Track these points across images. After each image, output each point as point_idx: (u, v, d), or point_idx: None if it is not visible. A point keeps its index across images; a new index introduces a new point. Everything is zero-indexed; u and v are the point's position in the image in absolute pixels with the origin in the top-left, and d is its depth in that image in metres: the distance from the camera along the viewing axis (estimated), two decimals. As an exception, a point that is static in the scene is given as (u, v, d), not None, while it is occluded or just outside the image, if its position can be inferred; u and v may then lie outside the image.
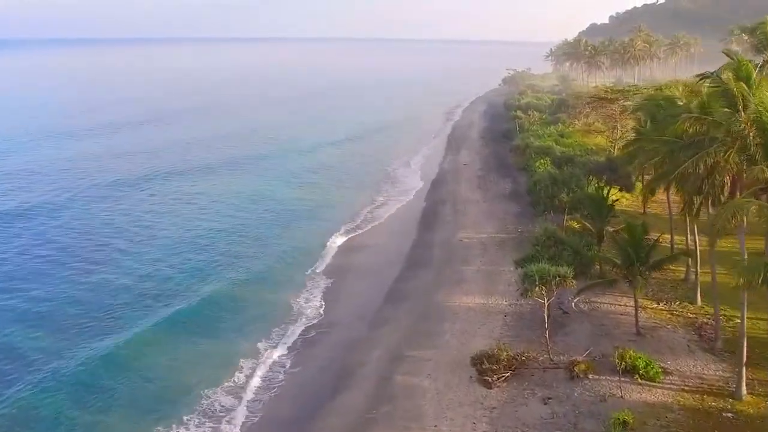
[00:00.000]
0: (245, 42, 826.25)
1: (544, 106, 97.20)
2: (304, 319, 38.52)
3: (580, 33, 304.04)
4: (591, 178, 50.31)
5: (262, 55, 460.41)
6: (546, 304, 30.41)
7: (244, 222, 57.82)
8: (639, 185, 51.55)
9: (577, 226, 44.95)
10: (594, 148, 59.57)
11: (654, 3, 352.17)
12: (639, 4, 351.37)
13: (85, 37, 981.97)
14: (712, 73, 29.94)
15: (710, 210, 30.32)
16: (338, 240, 52.39)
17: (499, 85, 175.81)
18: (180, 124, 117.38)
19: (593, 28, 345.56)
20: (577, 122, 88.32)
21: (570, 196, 45.89)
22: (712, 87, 27.09)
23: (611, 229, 39.20)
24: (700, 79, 32.89)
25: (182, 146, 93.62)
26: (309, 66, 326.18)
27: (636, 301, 32.47)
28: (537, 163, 65.33)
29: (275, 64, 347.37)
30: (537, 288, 29.22)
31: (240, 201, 65.04)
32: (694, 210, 27.17)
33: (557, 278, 29.11)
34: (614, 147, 66.46)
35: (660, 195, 57.78)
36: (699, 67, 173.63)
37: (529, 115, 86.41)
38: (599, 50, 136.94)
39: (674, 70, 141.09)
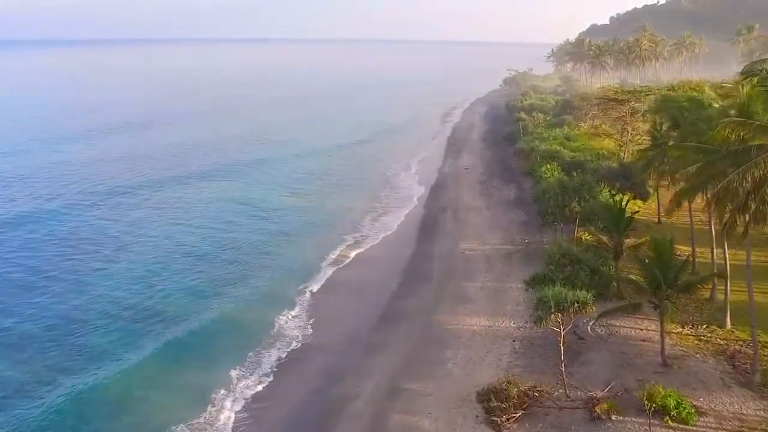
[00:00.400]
0: (244, 43, 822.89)
1: (548, 108, 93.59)
2: (288, 344, 34.75)
3: (580, 34, 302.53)
4: (603, 185, 46.76)
5: (261, 56, 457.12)
6: (562, 334, 26.78)
7: (236, 232, 53.82)
8: (655, 192, 48.12)
9: (590, 239, 41.34)
10: (605, 152, 55.90)
11: (655, 4, 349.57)
12: (639, 5, 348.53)
13: (85, 38, 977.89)
14: (760, 70, 26.31)
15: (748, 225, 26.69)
16: (334, 253, 48.64)
17: (500, 85, 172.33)
18: (173, 126, 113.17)
19: (594, 29, 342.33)
20: (583, 125, 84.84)
21: (582, 205, 42.31)
22: (759, 87, 23.43)
23: (630, 244, 35.62)
24: (745, 77, 29.24)
25: (174, 150, 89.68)
26: (308, 67, 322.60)
27: (662, 329, 28.84)
28: (543, 168, 61.68)
29: (274, 64, 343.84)
30: (552, 316, 25.57)
31: (233, 209, 61.23)
32: (741, 229, 23.36)
33: (576, 305, 25.48)
34: (625, 151, 62.94)
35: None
36: (704, 67, 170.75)
37: (533, 117, 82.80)
38: (603, 50, 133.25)
39: (680, 71, 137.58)
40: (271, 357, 33.27)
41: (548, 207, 42.41)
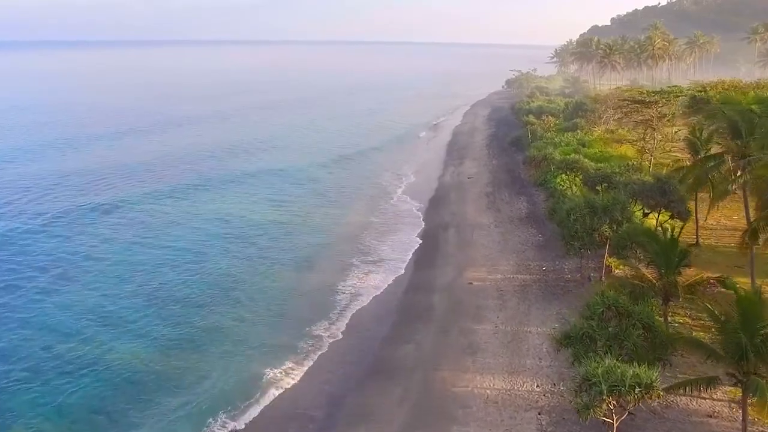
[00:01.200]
0: (241, 45, 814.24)
1: (558, 111, 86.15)
2: (244, 411, 27.27)
3: (581, 35, 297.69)
4: (634, 202, 39.35)
5: (258, 58, 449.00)
6: (615, 426, 19.35)
7: (207, 263, 45.96)
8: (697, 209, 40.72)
9: (625, 271, 33.96)
10: (633, 162, 48.39)
11: (656, 5, 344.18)
12: (640, 7, 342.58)
13: (86, 39, 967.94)
14: None
15: None
16: (316, 281, 41.14)
17: (503, 87, 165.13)
18: (161, 134, 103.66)
19: (595, 30, 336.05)
20: (596, 128, 77.43)
21: (615, 229, 34.86)
22: None
23: (682, 282, 28.16)
24: None
25: (161, 160, 79.71)
26: (305, 69, 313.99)
27: (745, 410, 21.41)
28: (558, 179, 54.47)
29: (271, 66, 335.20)
30: (605, 404, 18.15)
31: (206, 233, 53.11)
32: None
33: (637, 389, 18.05)
34: (650, 160, 55.56)
35: (714, 218, 47.26)
36: (715, 68, 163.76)
37: (543, 121, 75.35)
38: (614, 49, 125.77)
39: (692, 72, 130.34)
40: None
41: (574, 231, 34.89)
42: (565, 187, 52.12)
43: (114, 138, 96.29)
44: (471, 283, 38.35)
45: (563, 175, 54.56)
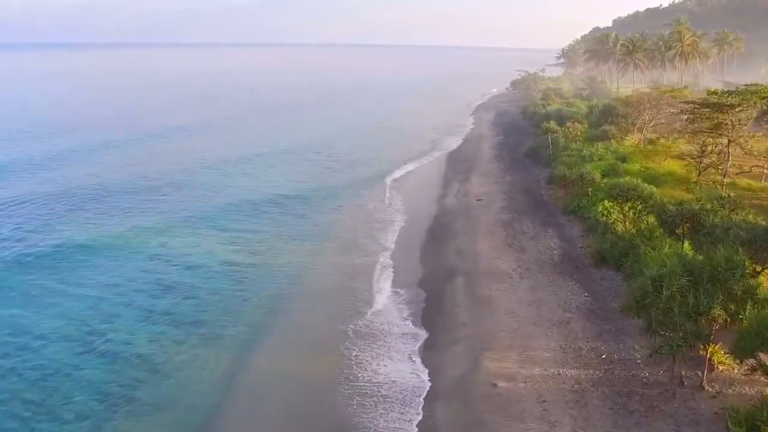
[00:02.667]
0: (240, 47, 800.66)
1: (580, 116, 72.75)
2: None
3: (582, 37, 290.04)
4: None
5: (254, 60, 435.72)
6: None
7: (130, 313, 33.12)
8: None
9: (742, 372, 20.65)
10: (725, 194, 34.56)
11: (658, 7, 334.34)
12: (642, 9, 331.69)
13: (87, 41, 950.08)
14: None
15: None
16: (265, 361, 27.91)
17: (507, 89, 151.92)
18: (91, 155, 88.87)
19: (596, 32, 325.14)
20: (630, 137, 64.20)
21: (733, 312, 21.46)
22: None
23: None
24: None
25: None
26: (305, 70, 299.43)
27: None
28: (600, 207, 41.19)
29: (270, 68, 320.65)
30: None
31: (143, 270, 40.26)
32: None
33: None
34: (721, 181, 42.29)
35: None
36: (739, 69, 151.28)
37: (569, 128, 61.93)
38: (637, 46, 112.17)
39: (722, 72, 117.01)
40: None
41: (669, 316, 21.32)
42: (611, 220, 38.81)
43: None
44: (496, 385, 24.81)
45: (606, 202, 41.25)
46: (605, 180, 44.37)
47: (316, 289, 36.61)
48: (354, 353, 28.71)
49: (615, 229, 37.41)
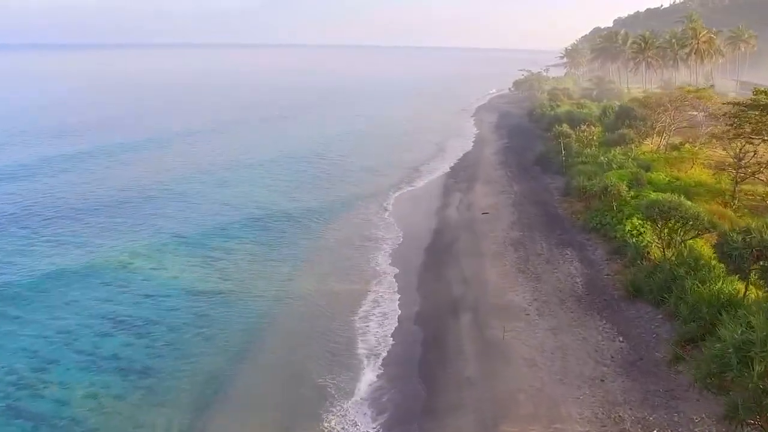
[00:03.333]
0: (241, 48, 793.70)
1: (593, 118, 66.82)
2: None
3: (583, 37, 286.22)
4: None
5: (256, 61, 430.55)
6: None
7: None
8: None
9: None
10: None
11: (659, 7, 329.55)
12: (642, 9, 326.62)
13: (87, 42, 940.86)
14: None
15: None
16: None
17: (509, 90, 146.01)
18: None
19: (597, 32, 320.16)
20: (649, 142, 58.41)
21: None
22: None
23: None
24: None
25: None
26: (303, 72, 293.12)
27: None
28: (628, 226, 35.41)
29: (267, 70, 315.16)
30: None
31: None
32: None
33: None
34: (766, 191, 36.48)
35: None
36: (753, 68, 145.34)
37: (584, 132, 56.03)
38: (650, 44, 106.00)
39: (737, 71, 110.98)
40: None
41: (760, 404, 15.47)
42: (643, 242, 32.95)
43: None
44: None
45: (635, 219, 35.43)
46: (632, 193, 38.51)
47: (294, 329, 30.66)
48: (334, 422, 22.82)
49: (649, 253, 31.54)
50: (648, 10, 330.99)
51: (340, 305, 32.66)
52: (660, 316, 27.57)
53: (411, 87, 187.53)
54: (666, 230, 29.38)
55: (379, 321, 30.74)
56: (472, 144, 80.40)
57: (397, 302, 32.93)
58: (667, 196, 29.67)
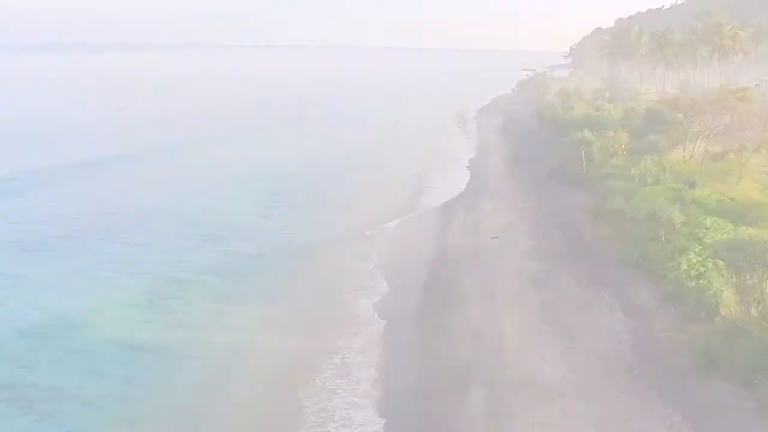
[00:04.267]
0: (243, 49, 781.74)
1: (613, 122, 58.91)
2: None
3: (584, 38, 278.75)
4: None
5: (251, 63, 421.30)
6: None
7: None
8: None
9: None
10: None
11: (660, 7, 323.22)
12: (643, 9, 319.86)
13: (90, 43, 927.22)
14: None
15: None
16: None
17: (513, 90, 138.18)
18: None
19: (599, 33, 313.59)
20: (681, 150, 50.61)
21: None
22: None
23: None
24: None
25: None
26: (303, 73, 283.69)
27: None
28: (684, 263, 27.58)
29: (264, 71, 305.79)
30: None
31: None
32: None
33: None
34: None
35: None
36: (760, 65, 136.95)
37: (609, 139, 48.18)
38: (669, 41, 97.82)
39: (755, 70, 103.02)
40: None
41: None
42: (712, 290, 25.05)
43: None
44: None
45: (692, 256, 27.57)
46: (682, 217, 30.72)
47: (246, 415, 22.68)
48: None
49: (721, 307, 23.66)
50: (649, 10, 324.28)
51: (314, 371, 24.67)
52: (751, 403, 19.71)
53: (411, 87, 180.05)
54: (754, 281, 21.51)
55: (360, 399, 22.73)
56: (475, 151, 72.52)
57: (385, 365, 24.94)
58: (753, 232, 21.76)
